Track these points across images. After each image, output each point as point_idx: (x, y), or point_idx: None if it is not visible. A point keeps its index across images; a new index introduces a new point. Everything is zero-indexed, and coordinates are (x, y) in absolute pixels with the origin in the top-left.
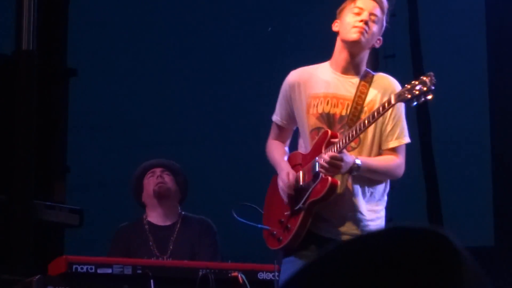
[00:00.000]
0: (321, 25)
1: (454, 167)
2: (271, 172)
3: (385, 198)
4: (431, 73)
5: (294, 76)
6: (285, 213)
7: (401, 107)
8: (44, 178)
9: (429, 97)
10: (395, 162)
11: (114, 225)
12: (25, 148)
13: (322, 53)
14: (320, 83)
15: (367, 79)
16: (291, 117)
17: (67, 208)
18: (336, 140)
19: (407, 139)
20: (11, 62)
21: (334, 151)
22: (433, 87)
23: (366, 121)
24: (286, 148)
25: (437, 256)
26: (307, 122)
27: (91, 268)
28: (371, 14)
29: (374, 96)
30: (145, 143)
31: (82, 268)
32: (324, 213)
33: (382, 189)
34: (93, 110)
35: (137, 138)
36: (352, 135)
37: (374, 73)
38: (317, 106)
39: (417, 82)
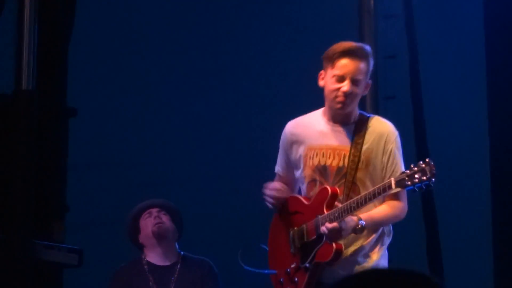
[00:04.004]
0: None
1: (454, 213)
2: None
3: (387, 239)
4: (431, 162)
5: (290, 128)
6: (292, 265)
7: (396, 148)
8: (43, 218)
9: (430, 185)
10: (399, 207)
11: (114, 265)
12: (24, 188)
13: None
14: (316, 134)
15: (361, 126)
16: (289, 167)
17: (66, 248)
18: (339, 204)
19: None
20: (10, 101)
21: (335, 218)
22: (433, 179)
23: (367, 198)
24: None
25: None
26: (304, 173)
27: None
28: (352, 80)
29: (370, 144)
30: (145, 183)
31: None
32: None
33: (384, 230)
34: (92, 149)
35: (137, 177)
36: (353, 207)
37: (368, 116)
38: (312, 158)
39: (416, 169)
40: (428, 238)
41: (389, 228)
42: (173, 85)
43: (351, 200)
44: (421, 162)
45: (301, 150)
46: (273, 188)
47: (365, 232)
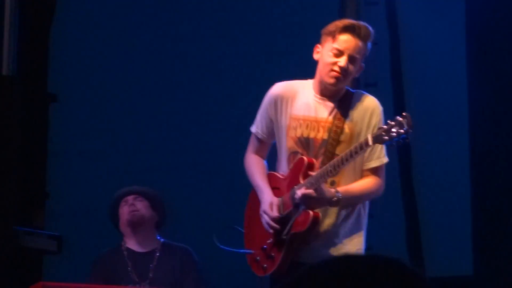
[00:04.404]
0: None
1: (433, 196)
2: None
3: (365, 220)
4: (408, 114)
5: (278, 89)
6: (268, 241)
7: (380, 123)
8: (23, 204)
9: (406, 140)
10: (376, 183)
11: (94, 251)
12: (5, 174)
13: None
14: (301, 104)
15: (346, 100)
16: (270, 131)
17: (45, 234)
18: (313, 173)
19: (385, 159)
20: None
21: (311, 184)
22: (410, 130)
23: (343, 159)
24: (265, 163)
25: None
26: (286, 144)
27: None
28: (350, 56)
29: (354, 118)
30: (126, 170)
31: None
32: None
33: (360, 212)
34: (73, 136)
35: (118, 164)
36: (330, 171)
37: (354, 91)
38: (296, 129)
39: (393, 123)
40: (407, 223)
41: (366, 211)
42: (156, 70)
43: (328, 164)
44: (398, 116)
45: (284, 117)
46: (274, 219)
47: (343, 212)
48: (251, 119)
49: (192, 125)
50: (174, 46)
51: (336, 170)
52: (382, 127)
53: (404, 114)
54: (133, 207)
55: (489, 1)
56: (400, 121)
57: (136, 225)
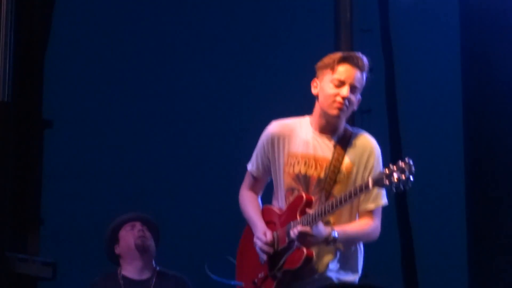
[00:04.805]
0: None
1: (428, 223)
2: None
3: (360, 262)
4: (410, 161)
5: (275, 128)
6: (259, 275)
7: (378, 167)
8: (17, 230)
9: (408, 186)
10: (372, 226)
11: (88, 278)
12: (0, 199)
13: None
14: (299, 141)
15: (345, 139)
16: (266, 169)
17: (40, 260)
18: (311, 211)
19: (384, 201)
20: None
21: (308, 222)
22: (411, 177)
23: (342, 199)
24: (259, 200)
25: None
26: (283, 180)
27: None
28: (351, 86)
29: (352, 158)
30: (120, 195)
31: None
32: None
33: (357, 254)
34: (67, 162)
35: (113, 189)
36: (328, 211)
37: (352, 130)
38: (294, 166)
39: (395, 168)
40: (402, 250)
41: (362, 253)
42: (150, 98)
43: (326, 203)
44: (400, 161)
45: (282, 155)
46: (268, 243)
47: (338, 252)
48: (244, 151)
49: (187, 152)
50: (167, 75)
51: (333, 209)
52: (384, 171)
53: (406, 159)
54: (143, 233)
55: (485, 28)
56: (402, 167)
57: (144, 251)
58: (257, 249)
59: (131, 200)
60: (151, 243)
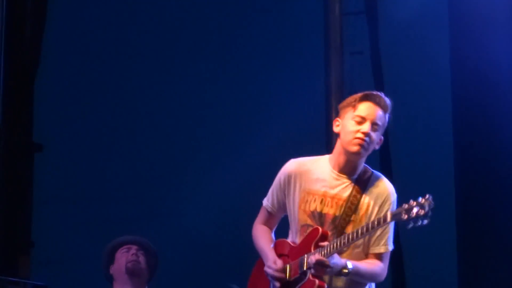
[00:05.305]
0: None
1: (419, 242)
2: (241, 247)
3: None
4: (430, 196)
5: (293, 166)
6: None
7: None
8: (8, 253)
9: (425, 221)
10: (380, 268)
11: None
12: None
13: None
14: (317, 179)
15: (363, 181)
16: (281, 206)
17: (31, 284)
18: (325, 243)
19: (392, 246)
20: None
21: (323, 254)
22: (430, 213)
23: (359, 232)
24: (273, 235)
25: None
26: (298, 217)
27: None
28: (373, 123)
29: (367, 200)
30: (110, 219)
31: None
32: None
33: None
34: (58, 185)
35: (103, 213)
36: (344, 243)
37: (372, 172)
38: (310, 203)
39: (415, 203)
40: (393, 270)
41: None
42: (140, 120)
43: (343, 235)
44: (420, 198)
45: (298, 192)
46: (279, 270)
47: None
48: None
49: (182, 176)
50: (158, 100)
51: (349, 243)
52: (403, 206)
53: (426, 196)
54: (136, 257)
55: (476, 48)
56: (421, 203)
57: (134, 275)
58: (269, 277)
59: (121, 223)
60: (143, 267)
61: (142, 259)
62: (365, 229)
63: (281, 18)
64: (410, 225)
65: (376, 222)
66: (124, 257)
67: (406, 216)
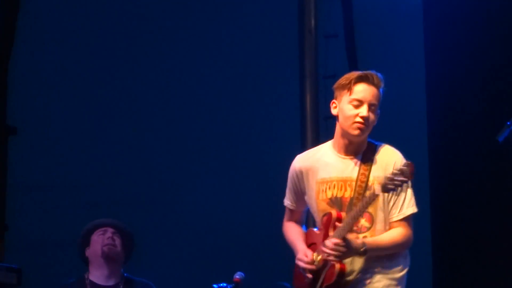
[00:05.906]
0: None
1: None
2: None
3: (402, 265)
4: (411, 163)
5: (300, 162)
6: None
7: None
8: None
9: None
10: (403, 234)
11: (54, 284)
12: None
13: None
14: (325, 167)
15: (368, 156)
16: (301, 200)
17: (4, 266)
18: (340, 225)
19: (410, 210)
20: None
21: (339, 235)
22: (412, 177)
23: (359, 211)
24: (303, 227)
25: None
26: (317, 207)
27: None
28: (370, 105)
29: (376, 174)
30: (85, 203)
31: None
32: None
33: (398, 258)
34: (32, 168)
35: (77, 197)
36: (349, 223)
37: (377, 144)
38: (326, 191)
39: (397, 172)
40: None
41: (405, 252)
42: (116, 102)
43: (347, 218)
44: (403, 165)
45: (312, 184)
46: (309, 262)
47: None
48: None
49: (158, 159)
50: (140, 77)
51: (355, 219)
52: (388, 176)
53: (407, 162)
54: (112, 241)
55: (449, 31)
56: (403, 169)
57: (109, 259)
58: (300, 270)
59: (96, 207)
60: (119, 250)
61: (118, 242)
62: (363, 207)
63: (255, 2)
64: (396, 191)
65: (368, 199)
66: (100, 240)
67: (391, 186)
